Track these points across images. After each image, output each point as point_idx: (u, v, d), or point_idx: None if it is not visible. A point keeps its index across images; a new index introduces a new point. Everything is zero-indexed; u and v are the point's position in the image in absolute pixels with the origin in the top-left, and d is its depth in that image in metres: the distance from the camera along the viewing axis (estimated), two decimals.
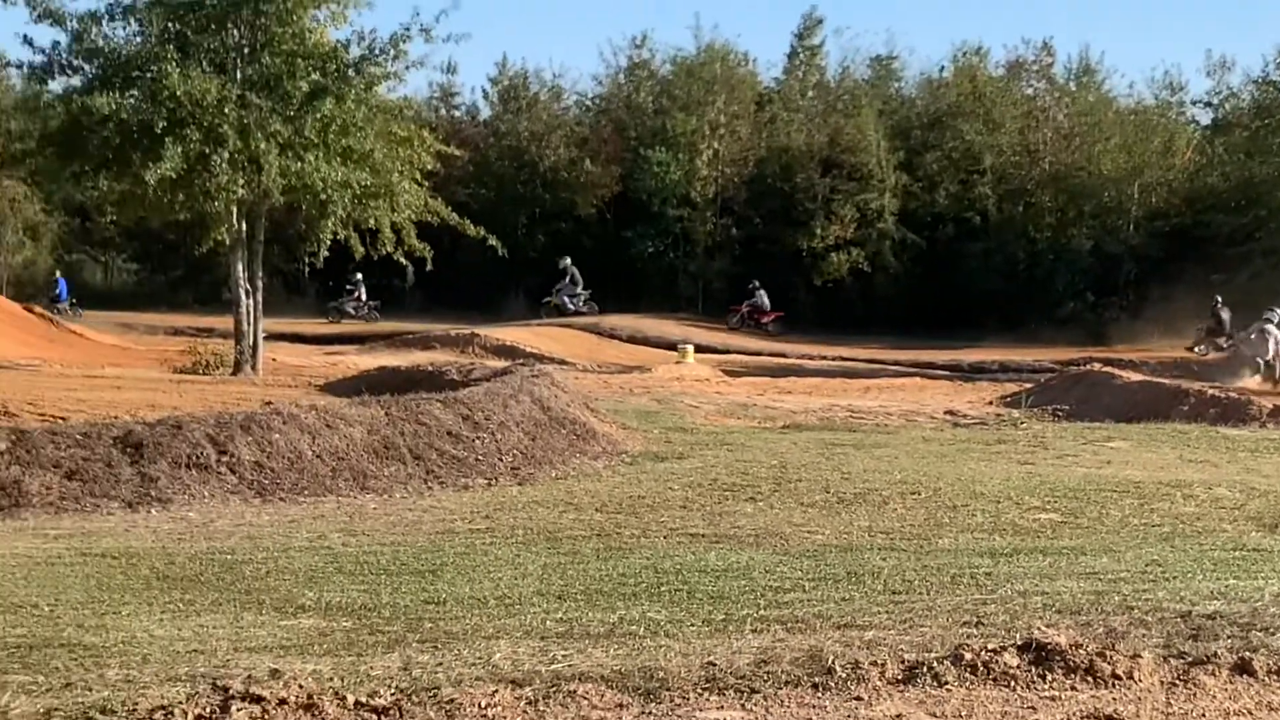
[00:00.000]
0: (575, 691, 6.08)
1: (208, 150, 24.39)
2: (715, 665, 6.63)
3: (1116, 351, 39.11)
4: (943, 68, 59.23)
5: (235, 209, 25.98)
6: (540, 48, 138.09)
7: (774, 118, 58.28)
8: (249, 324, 27.02)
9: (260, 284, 27.25)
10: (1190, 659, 6.53)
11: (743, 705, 6.07)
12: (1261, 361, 30.81)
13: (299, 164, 24.88)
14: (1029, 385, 29.86)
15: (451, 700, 6.00)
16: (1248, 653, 6.58)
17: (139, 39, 25.50)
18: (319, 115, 24.84)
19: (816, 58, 61.23)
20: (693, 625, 7.94)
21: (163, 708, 5.82)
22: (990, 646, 6.56)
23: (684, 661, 6.76)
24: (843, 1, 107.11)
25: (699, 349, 38.03)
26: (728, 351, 39.82)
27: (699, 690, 6.20)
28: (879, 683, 6.22)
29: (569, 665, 6.77)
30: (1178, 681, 6.28)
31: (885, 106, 58.23)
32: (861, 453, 17.75)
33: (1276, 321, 31.20)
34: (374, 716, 5.86)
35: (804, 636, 7.47)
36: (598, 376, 30.22)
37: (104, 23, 25.34)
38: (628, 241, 54.81)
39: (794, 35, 61.09)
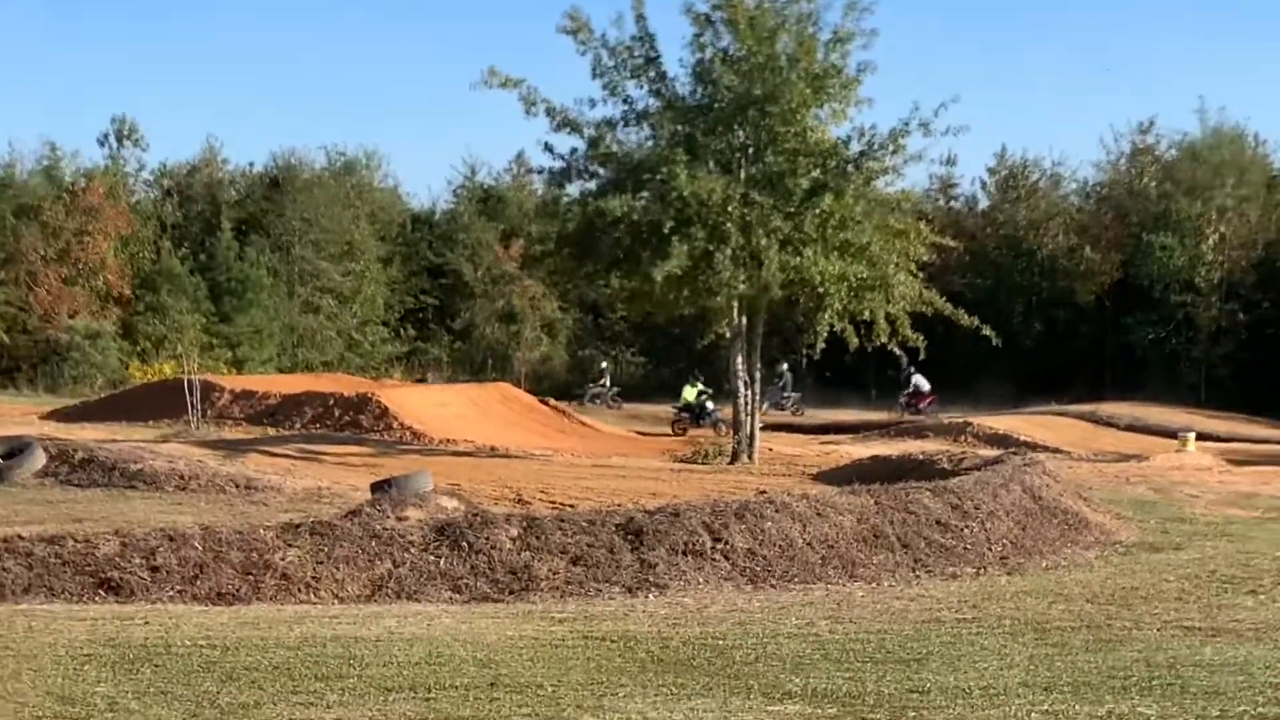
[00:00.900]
0: None
1: (711, 248, 25.25)
2: None
3: None
4: None
5: (736, 303, 26.75)
6: (1040, 136, 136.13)
7: None
8: (747, 414, 27.69)
9: (758, 375, 27.92)
10: None
11: None
12: None
13: (798, 258, 25.45)
14: None
15: None
16: None
17: (650, 142, 26.68)
18: (818, 211, 25.37)
19: None
20: None
21: None
22: None
23: None
24: None
25: (1201, 436, 36.56)
26: (1232, 440, 38.12)
27: None
28: None
29: None
30: None
31: None
32: None
33: None
34: None
35: None
36: (1093, 465, 29.53)
37: (618, 128, 26.71)
38: (1127, 328, 53.42)
39: None
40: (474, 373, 58.05)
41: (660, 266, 24.78)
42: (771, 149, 25.80)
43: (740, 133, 26.09)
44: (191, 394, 33.16)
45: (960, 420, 38.07)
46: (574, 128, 26.50)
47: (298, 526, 13.84)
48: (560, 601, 12.98)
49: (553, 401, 43.06)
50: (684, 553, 14.17)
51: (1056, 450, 32.69)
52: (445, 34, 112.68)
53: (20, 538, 13.11)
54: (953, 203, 61.79)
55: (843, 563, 14.72)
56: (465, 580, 13.31)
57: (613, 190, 25.96)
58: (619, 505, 17.33)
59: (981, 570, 15.16)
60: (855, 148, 26.31)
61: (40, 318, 55.07)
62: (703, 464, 28.04)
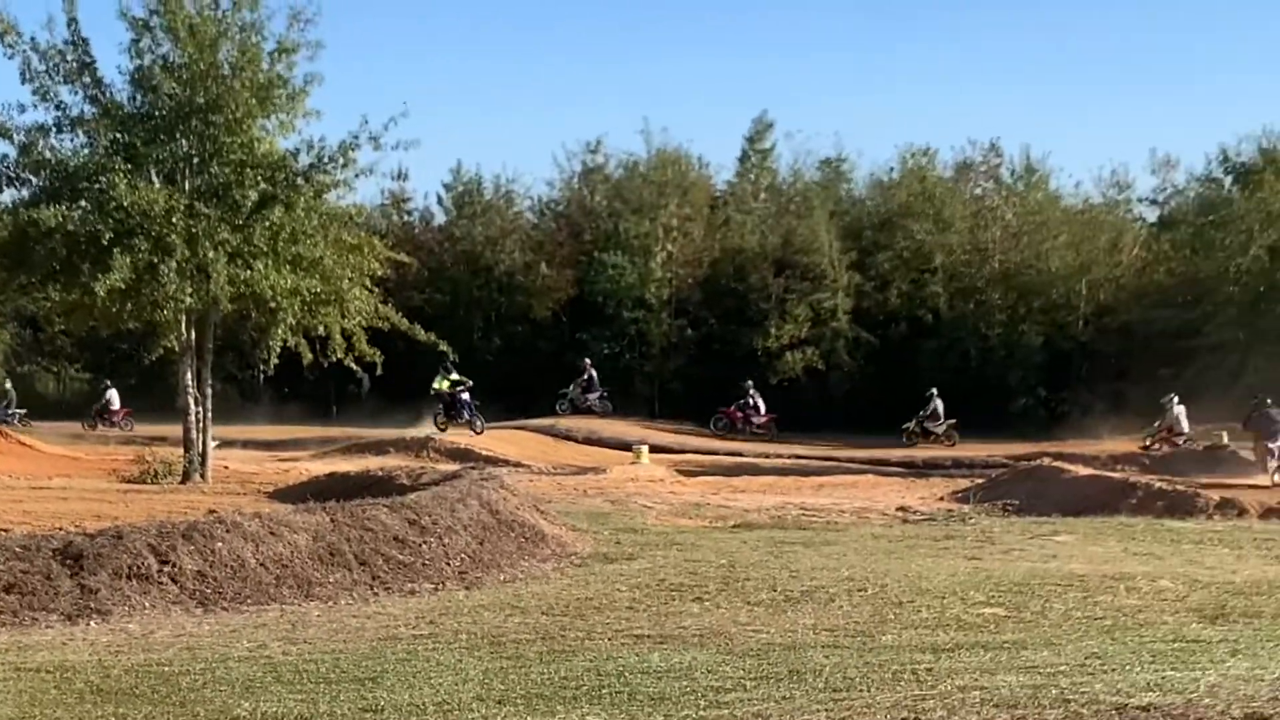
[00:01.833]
0: None
1: (156, 260, 24.35)
2: None
3: (1067, 446, 39.23)
4: (892, 169, 59.85)
5: (184, 318, 25.91)
6: (494, 153, 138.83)
7: (727, 220, 58.72)
8: (198, 432, 26.88)
9: (210, 391, 27.13)
10: None
11: None
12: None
13: (248, 272, 24.85)
14: (980, 480, 29.98)
15: None
16: None
17: (87, 150, 25.52)
18: (268, 223, 24.85)
19: (768, 160, 61.79)
20: None
21: None
22: None
23: None
24: (793, 105, 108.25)
25: (654, 449, 37.99)
26: (683, 451, 39.78)
27: None
28: None
29: None
30: None
31: (837, 207, 58.68)
32: (811, 550, 17.76)
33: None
34: None
35: None
36: (551, 478, 30.17)
37: (51, 134, 25.40)
38: (583, 344, 54.88)
39: (745, 139, 61.73)
40: None
41: (102, 280, 23.72)
42: (217, 160, 25.11)
43: (184, 142, 25.25)
44: None
45: (422, 435, 38.18)
46: (3, 133, 25.07)
47: None
48: None
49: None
50: (128, 577, 13.55)
51: (517, 464, 33.25)
52: None
53: None
54: (407, 218, 61.97)
55: (298, 582, 14.41)
56: None
57: (47, 199, 24.67)
58: (58, 528, 16.44)
59: (440, 586, 15.14)
60: (305, 160, 25.88)
61: None
62: (152, 484, 27.04)
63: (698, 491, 28.69)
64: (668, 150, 58.75)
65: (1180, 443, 37.58)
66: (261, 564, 14.45)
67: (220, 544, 14.38)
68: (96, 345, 53.55)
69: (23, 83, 25.15)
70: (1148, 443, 38.27)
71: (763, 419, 46.51)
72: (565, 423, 45.05)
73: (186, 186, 25.22)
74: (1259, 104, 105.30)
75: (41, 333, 54.90)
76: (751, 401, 46.58)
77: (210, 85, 24.74)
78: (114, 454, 33.45)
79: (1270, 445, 29.34)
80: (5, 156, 25.34)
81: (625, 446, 37.57)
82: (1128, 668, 9.40)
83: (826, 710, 8.23)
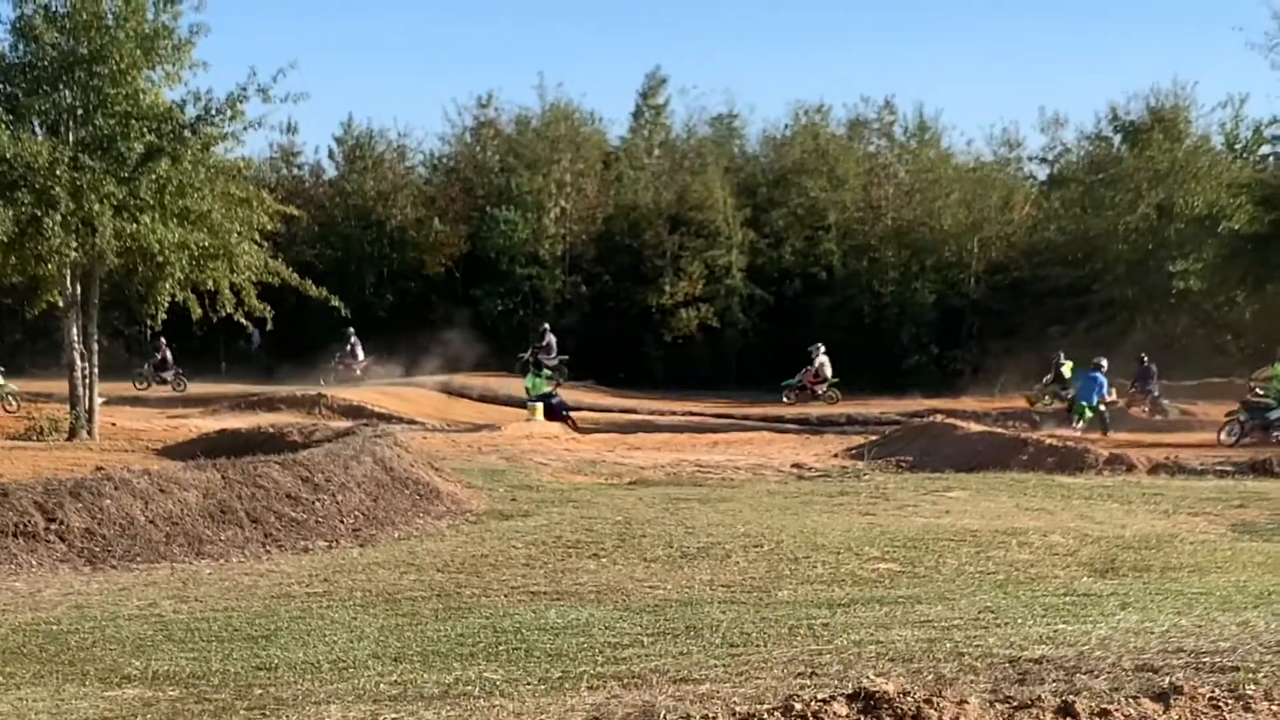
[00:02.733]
0: None
1: (39, 213, 23.95)
2: None
3: (960, 403, 39.66)
4: (786, 126, 59.93)
5: (69, 272, 25.50)
6: (385, 107, 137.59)
7: (620, 176, 58.49)
8: (84, 388, 26.50)
9: (96, 347, 26.73)
10: (1015, 703, 6.55)
11: None
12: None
13: (134, 225, 24.50)
14: (874, 437, 30.19)
15: None
16: (1071, 696, 6.62)
17: None
18: (154, 176, 24.52)
19: (661, 116, 61.58)
20: (528, 684, 7.87)
21: None
22: (820, 697, 6.53)
23: None
24: (686, 61, 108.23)
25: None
26: (578, 409, 39.72)
27: None
28: None
29: None
30: None
31: (731, 164, 58.66)
32: (706, 507, 17.78)
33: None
34: None
35: (639, 692, 7.43)
36: (446, 436, 29.99)
37: None
38: (477, 300, 54.60)
39: (639, 94, 61.48)
40: None
41: None
42: (101, 111, 24.72)
43: (67, 93, 24.83)
44: None
45: (314, 393, 37.84)
46: None
47: None
48: None
49: None
50: (14, 534, 13.34)
51: (411, 421, 33.05)
52: None
53: None
54: (297, 171, 61.21)
55: (189, 540, 14.24)
56: None
57: None
58: None
59: (334, 543, 15.03)
60: (192, 112, 25.57)
61: None
62: (38, 440, 26.64)
63: (592, 449, 28.67)
64: (561, 105, 58.49)
65: (1066, 397, 38.14)
66: (151, 521, 14.27)
67: (109, 501, 14.17)
68: None
69: None
70: (1034, 400, 38.74)
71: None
72: (460, 379, 44.79)
73: (70, 138, 24.83)
74: (1148, 62, 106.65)
75: None
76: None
77: (94, 35, 24.34)
78: None
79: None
80: None
81: (520, 404, 37.39)
82: (1021, 621, 9.50)
83: (724, 665, 8.24)
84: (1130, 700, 6.51)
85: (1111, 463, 23.02)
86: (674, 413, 40.52)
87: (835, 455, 27.91)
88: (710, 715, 6.39)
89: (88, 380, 26.55)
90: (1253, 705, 6.37)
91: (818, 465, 25.60)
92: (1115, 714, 6.40)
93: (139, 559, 13.60)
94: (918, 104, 68.57)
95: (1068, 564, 12.84)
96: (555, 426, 33.77)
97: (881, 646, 8.60)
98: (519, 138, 59.17)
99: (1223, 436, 28.08)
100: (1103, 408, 31.94)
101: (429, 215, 57.19)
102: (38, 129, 24.80)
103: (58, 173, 23.91)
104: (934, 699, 6.42)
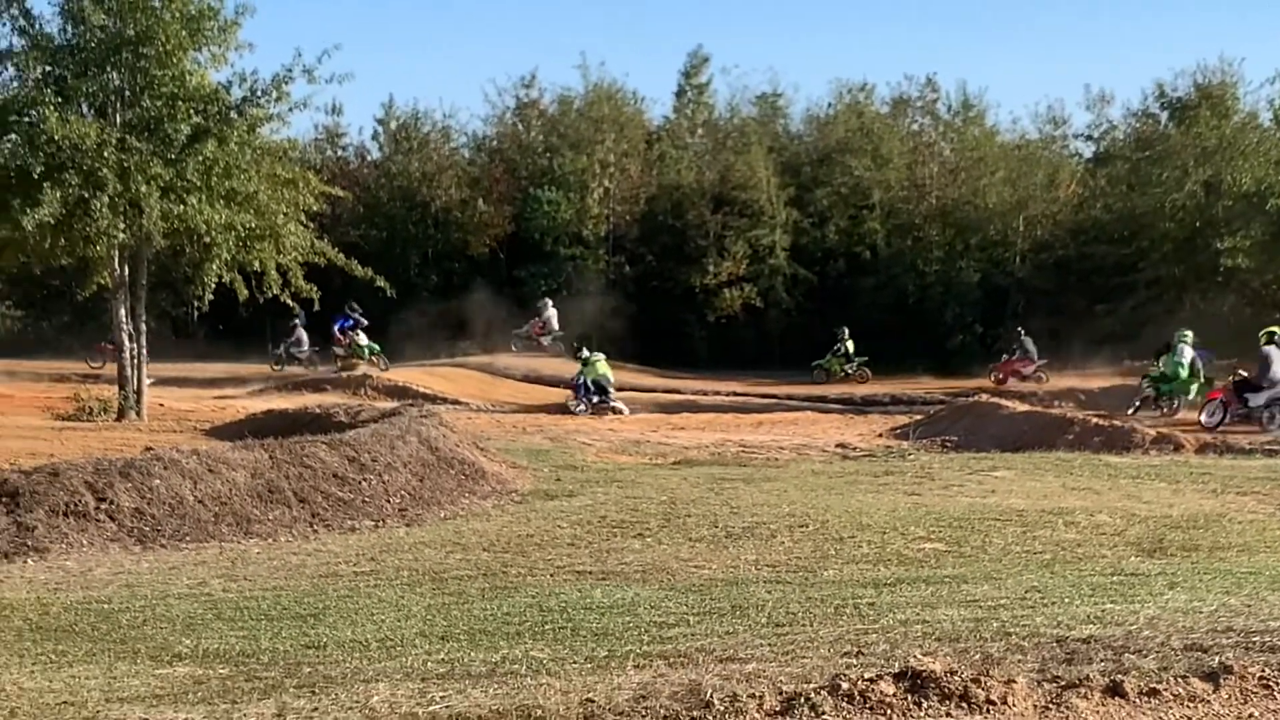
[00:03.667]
0: None
1: (87, 194, 24.07)
2: (594, 702, 6.57)
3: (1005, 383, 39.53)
4: (829, 105, 59.73)
5: (117, 253, 25.66)
6: (430, 88, 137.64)
7: (663, 155, 58.41)
8: (133, 369, 26.66)
9: (144, 328, 26.89)
10: (1063, 682, 6.56)
11: None
12: None
13: (181, 207, 24.61)
14: (918, 417, 30.12)
15: None
16: (1120, 675, 6.62)
17: (15, 84, 25.20)
18: (201, 158, 24.61)
19: (704, 96, 61.50)
20: (575, 663, 7.90)
21: None
22: (867, 676, 6.55)
23: (563, 699, 6.70)
24: (728, 40, 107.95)
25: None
26: (621, 389, 39.72)
27: None
28: (756, 715, 6.19)
29: (447, 707, 6.69)
30: (1050, 705, 6.31)
31: (774, 143, 58.50)
32: (751, 487, 17.79)
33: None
34: None
35: (685, 671, 7.45)
36: (490, 416, 30.10)
37: None
38: (521, 280, 54.64)
39: (681, 74, 61.38)
40: None
41: (31, 214, 23.43)
42: (148, 93, 24.79)
43: (114, 75, 24.90)
44: None
45: (359, 373, 38.00)
46: None
47: None
48: None
49: None
50: (65, 514, 13.45)
51: (456, 402, 33.14)
52: None
53: None
54: (342, 152, 61.38)
55: (237, 520, 14.34)
56: None
57: None
58: None
59: (380, 523, 15.10)
60: (237, 93, 25.65)
61: None
62: (87, 421, 26.81)
63: (637, 429, 28.70)
64: (604, 85, 58.42)
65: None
66: (200, 501, 14.37)
67: (158, 481, 14.28)
68: (28, 282, 52.89)
69: None
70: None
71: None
72: (504, 360, 44.87)
73: (118, 120, 24.94)
74: (1194, 39, 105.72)
75: None
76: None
77: (140, 17, 24.39)
78: (48, 391, 33.11)
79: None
80: None
81: (565, 384, 37.42)
82: (1068, 601, 9.48)
83: (769, 644, 8.26)
84: (1179, 679, 6.51)
85: (1159, 442, 22.91)
86: (718, 393, 40.49)
87: (880, 435, 27.87)
88: (757, 694, 6.40)
89: (136, 361, 26.71)
90: None
91: (862, 445, 25.56)
92: (1164, 693, 6.40)
93: (188, 538, 13.70)
94: (961, 82, 68.28)
95: (1115, 543, 12.80)
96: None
97: (928, 626, 8.60)
98: (562, 118, 59.16)
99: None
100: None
101: (473, 196, 57.24)
102: (86, 111, 24.90)
103: (105, 154, 24.02)
104: (981, 678, 6.43)
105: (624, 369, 45.55)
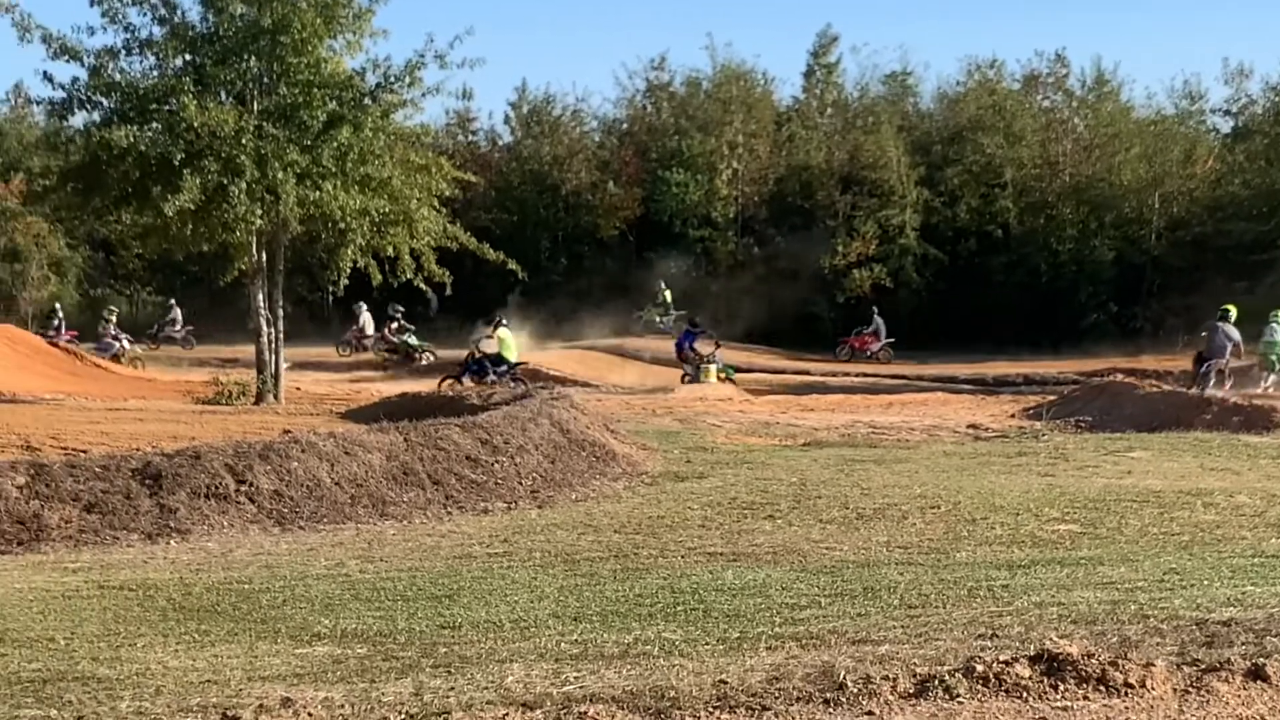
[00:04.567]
0: (586, 713, 6.03)
1: (226, 181, 24.50)
2: (727, 684, 6.59)
3: (1140, 362, 38.93)
4: (959, 83, 59.21)
5: (255, 239, 26.09)
6: (561, 71, 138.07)
7: (792, 136, 58.26)
8: (270, 353, 27.10)
9: (281, 313, 27.32)
10: (1203, 666, 6.48)
11: None
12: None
13: (317, 193, 24.98)
14: (1051, 397, 29.78)
15: None
16: (1261, 659, 6.52)
17: (156, 72, 25.66)
18: (336, 144, 24.94)
19: (833, 75, 61.18)
20: (707, 644, 7.92)
21: None
22: (1003, 658, 6.51)
23: (696, 680, 6.73)
24: (857, 19, 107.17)
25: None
26: (751, 370, 39.69)
27: (710, 709, 6.15)
28: (890, 697, 6.18)
29: (581, 687, 6.74)
30: (1190, 689, 6.23)
31: (904, 122, 58.18)
32: (882, 468, 17.71)
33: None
34: None
35: (817, 652, 7.45)
36: (620, 398, 30.20)
37: (121, 57, 25.51)
38: (650, 263, 54.77)
39: (810, 53, 61.11)
40: None
41: (172, 201, 23.89)
42: (285, 80, 25.17)
43: (252, 63, 25.29)
44: None
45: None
46: (73, 56, 25.15)
47: None
48: (74, 551, 12.40)
49: (62, 343, 41.25)
50: (206, 496, 13.70)
51: (585, 384, 33.30)
52: None
53: None
54: (473, 137, 61.94)
55: (373, 501, 14.53)
56: None
57: (118, 121, 24.83)
58: (136, 449, 16.63)
59: (512, 504, 15.21)
60: (371, 80, 26.01)
61: None
62: (226, 405, 27.30)
63: (766, 410, 28.66)
64: (732, 66, 58.36)
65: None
66: (337, 483, 14.58)
67: (296, 464, 14.50)
68: (168, 268, 53.98)
69: (91, 5, 25.33)
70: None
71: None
72: (633, 343, 45.05)
73: (255, 107, 25.34)
74: None
75: (114, 256, 55.40)
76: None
77: (277, 5, 24.77)
78: (188, 376, 33.77)
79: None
80: (76, 79, 25.49)
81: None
82: (1207, 583, 9.36)
83: (903, 626, 8.23)
84: None
85: None
86: (847, 374, 40.35)
87: (1012, 416, 27.59)
88: (891, 676, 6.39)
89: (274, 346, 27.14)
90: None
91: (994, 426, 25.32)
92: None
93: (325, 520, 13.90)
94: (1095, 57, 67.40)
95: (1255, 525, 12.60)
96: (728, 389, 33.83)
97: (1063, 608, 8.53)
98: (690, 99, 59.19)
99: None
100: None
101: (603, 179, 57.52)
102: (224, 98, 25.33)
103: (243, 141, 24.42)
104: (1119, 661, 6.37)
105: (753, 350, 45.61)
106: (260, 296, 26.90)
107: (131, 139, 24.24)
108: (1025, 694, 6.20)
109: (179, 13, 25.43)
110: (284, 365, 28.05)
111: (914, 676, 6.39)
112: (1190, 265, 50.77)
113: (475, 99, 64.44)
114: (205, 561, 11.76)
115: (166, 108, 24.84)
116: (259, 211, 24.96)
